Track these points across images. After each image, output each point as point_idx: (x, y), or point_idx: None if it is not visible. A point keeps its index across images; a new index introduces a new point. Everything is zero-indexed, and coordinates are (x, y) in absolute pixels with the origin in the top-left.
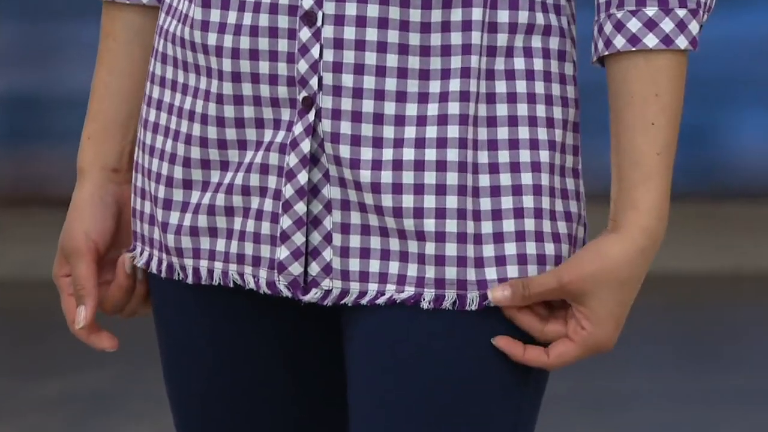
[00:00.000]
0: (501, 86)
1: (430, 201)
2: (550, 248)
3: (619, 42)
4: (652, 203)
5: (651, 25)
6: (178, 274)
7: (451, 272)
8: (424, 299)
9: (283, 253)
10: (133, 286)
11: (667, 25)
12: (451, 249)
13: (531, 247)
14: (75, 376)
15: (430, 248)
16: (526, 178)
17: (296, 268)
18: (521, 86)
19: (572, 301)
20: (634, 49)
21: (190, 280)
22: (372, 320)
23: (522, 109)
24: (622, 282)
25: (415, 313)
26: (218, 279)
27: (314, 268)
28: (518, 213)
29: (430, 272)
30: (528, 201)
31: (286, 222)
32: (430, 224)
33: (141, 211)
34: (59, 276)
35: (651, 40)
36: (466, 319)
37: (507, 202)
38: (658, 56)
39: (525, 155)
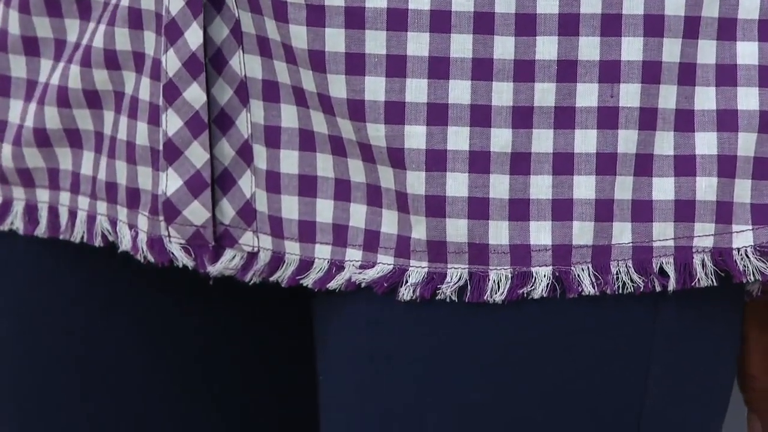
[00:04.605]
0: None
1: (417, 87)
2: (665, 188)
3: None
4: None
5: None
6: (15, 220)
7: (456, 229)
8: (406, 281)
9: (171, 182)
10: None
11: None
12: (457, 182)
13: (624, 187)
14: None
15: (415, 181)
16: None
17: (198, 213)
18: None
19: None
20: None
21: (42, 230)
22: (345, 312)
23: None
24: None
25: (392, 308)
26: (81, 231)
27: (225, 210)
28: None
29: (419, 228)
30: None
31: (172, 122)
32: (417, 133)
33: None
34: None
35: None
36: (483, 319)
37: (588, 95)
38: None
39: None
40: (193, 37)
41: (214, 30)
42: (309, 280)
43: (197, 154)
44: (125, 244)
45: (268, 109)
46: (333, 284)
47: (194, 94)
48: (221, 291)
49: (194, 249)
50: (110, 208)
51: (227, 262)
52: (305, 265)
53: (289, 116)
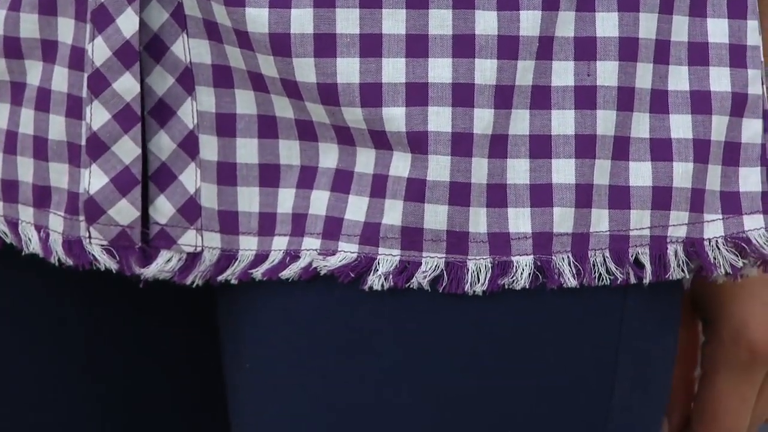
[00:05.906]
0: None
1: (394, 68)
2: (643, 174)
3: None
4: None
5: None
6: None
7: (435, 215)
8: (375, 270)
9: (95, 179)
10: None
11: None
12: (440, 165)
13: (603, 172)
14: None
15: (400, 162)
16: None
17: (125, 212)
18: None
19: None
20: None
21: None
22: (270, 309)
23: None
24: None
25: (356, 299)
26: None
27: (162, 208)
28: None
29: (393, 214)
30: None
31: (98, 115)
32: (395, 116)
33: None
34: None
35: None
36: (459, 307)
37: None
38: None
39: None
40: (127, 23)
41: (150, 15)
42: (258, 271)
43: (126, 149)
44: (32, 246)
45: (219, 96)
46: (287, 273)
47: (126, 85)
48: (112, 290)
49: (118, 251)
50: (8, 208)
51: (162, 265)
52: (260, 259)
53: (245, 102)
